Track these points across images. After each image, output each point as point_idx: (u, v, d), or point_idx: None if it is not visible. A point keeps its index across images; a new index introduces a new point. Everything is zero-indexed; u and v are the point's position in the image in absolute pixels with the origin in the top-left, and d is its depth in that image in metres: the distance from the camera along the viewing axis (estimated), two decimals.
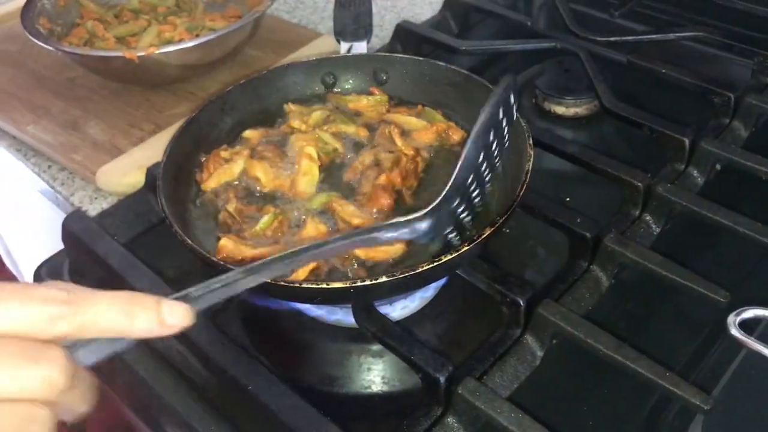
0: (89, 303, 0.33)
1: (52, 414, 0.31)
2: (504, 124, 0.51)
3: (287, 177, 0.62)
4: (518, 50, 0.84)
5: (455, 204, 0.48)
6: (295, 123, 0.66)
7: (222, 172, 0.62)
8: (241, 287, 0.40)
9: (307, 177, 0.61)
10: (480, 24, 0.94)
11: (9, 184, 0.98)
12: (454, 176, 0.48)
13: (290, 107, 0.69)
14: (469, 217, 0.51)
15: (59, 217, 0.80)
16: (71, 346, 0.33)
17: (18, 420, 0.30)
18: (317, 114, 0.67)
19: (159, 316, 0.34)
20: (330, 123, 0.67)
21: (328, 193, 0.61)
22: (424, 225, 0.46)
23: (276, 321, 0.62)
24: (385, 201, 0.59)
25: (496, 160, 0.52)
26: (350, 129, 0.66)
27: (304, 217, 0.59)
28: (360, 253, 0.55)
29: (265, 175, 0.61)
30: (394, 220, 0.46)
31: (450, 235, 0.49)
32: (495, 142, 0.51)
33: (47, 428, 0.31)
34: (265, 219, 0.58)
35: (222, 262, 0.51)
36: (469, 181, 0.49)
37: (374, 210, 0.59)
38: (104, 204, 0.73)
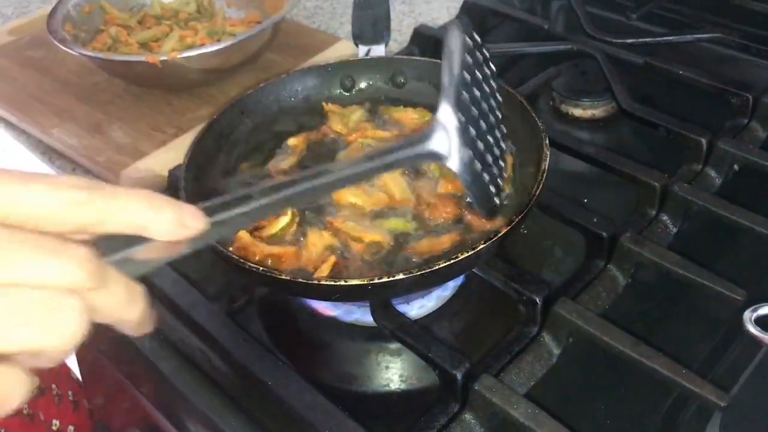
0: (115, 192, 0.32)
1: (83, 306, 0.29)
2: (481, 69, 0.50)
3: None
4: (535, 52, 0.84)
5: (463, 121, 0.44)
6: (337, 126, 0.67)
7: None
8: (255, 212, 0.37)
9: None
10: (497, 27, 0.95)
11: None
12: (443, 85, 0.44)
13: (329, 107, 0.69)
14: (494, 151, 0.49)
15: None
16: None
17: (43, 307, 0.28)
18: (357, 115, 0.68)
19: (180, 213, 0.33)
20: (368, 126, 0.68)
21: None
22: (434, 136, 0.43)
23: (295, 320, 0.63)
24: (452, 209, 0.59)
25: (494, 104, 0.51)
26: (386, 135, 0.67)
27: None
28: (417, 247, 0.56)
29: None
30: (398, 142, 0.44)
31: (478, 167, 0.45)
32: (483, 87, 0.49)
33: (77, 320, 0.29)
34: (284, 220, 0.59)
35: (240, 259, 0.52)
36: (469, 100, 0.45)
37: (440, 220, 0.58)
38: None
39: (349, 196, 0.59)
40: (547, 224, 0.64)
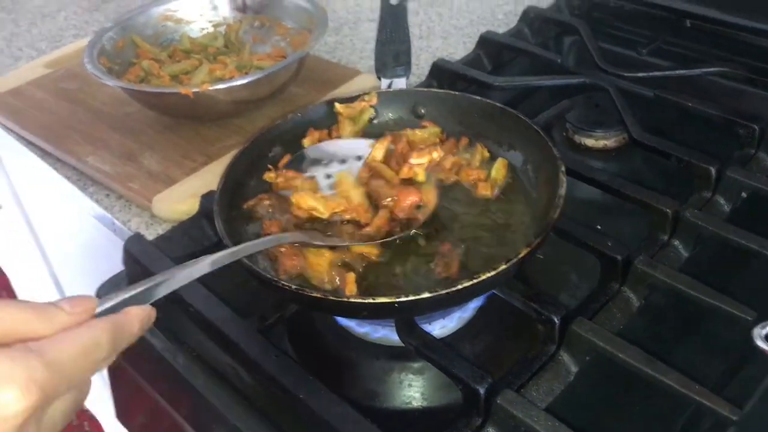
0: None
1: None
2: None
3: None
4: (550, 85, 0.88)
5: None
6: (347, 129, 0.73)
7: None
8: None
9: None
10: (512, 62, 0.98)
11: (66, 212, 1.04)
12: None
13: (338, 108, 0.73)
14: None
15: (114, 242, 0.85)
16: None
17: None
18: (367, 115, 0.74)
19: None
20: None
21: None
22: None
23: (321, 338, 0.66)
24: (414, 194, 0.64)
25: None
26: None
27: None
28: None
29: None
30: None
31: None
32: None
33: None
34: None
35: (273, 277, 0.55)
36: None
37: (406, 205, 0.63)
38: (159, 230, 0.77)
39: (309, 200, 0.63)
40: (562, 248, 0.67)
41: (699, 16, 0.95)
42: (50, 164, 0.90)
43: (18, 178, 1.23)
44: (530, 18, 1.02)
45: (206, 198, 0.73)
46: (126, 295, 0.42)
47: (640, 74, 0.86)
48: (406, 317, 0.58)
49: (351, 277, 0.58)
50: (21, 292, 1.34)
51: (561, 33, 1.03)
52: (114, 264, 0.73)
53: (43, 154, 0.91)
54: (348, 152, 0.70)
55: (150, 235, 0.77)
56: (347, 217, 0.63)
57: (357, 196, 0.64)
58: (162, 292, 0.45)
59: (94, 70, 0.82)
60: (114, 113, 0.93)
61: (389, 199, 0.63)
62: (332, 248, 0.61)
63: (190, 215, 0.75)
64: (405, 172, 0.67)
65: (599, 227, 0.72)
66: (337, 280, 0.59)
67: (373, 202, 0.65)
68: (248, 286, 0.62)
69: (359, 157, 0.69)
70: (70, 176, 0.87)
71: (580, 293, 0.66)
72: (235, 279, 0.63)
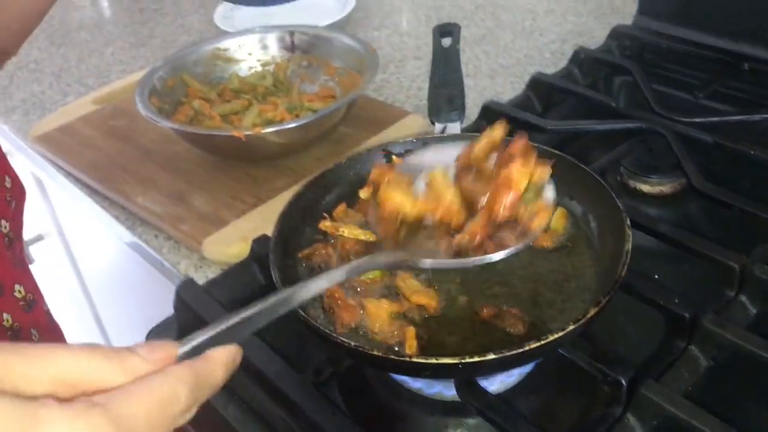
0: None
1: None
2: None
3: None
4: (605, 130, 0.86)
5: None
6: None
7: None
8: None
9: None
10: (562, 103, 0.97)
11: (111, 250, 1.04)
12: None
13: (396, 161, 0.71)
14: None
15: (162, 283, 0.85)
16: None
17: None
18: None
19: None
20: None
21: None
22: None
23: (374, 390, 0.64)
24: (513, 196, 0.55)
25: None
26: None
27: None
28: None
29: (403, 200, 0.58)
30: None
31: None
32: None
33: None
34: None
35: (331, 333, 0.54)
36: None
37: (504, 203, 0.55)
38: (209, 272, 0.77)
39: (398, 194, 0.58)
40: (619, 300, 0.65)
41: (757, 58, 0.93)
42: (98, 202, 0.90)
43: (63, 212, 1.24)
44: (580, 59, 1.00)
45: (257, 242, 0.72)
46: (208, 335, 0.37)
47: (698, 119, 0.84)
48: (467, 377, 0.56)
49: (411, 332, 0.57)
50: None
51: (611, 73, 1.02)
52: (162, 306, 0.72)
53: (91, 191, 0.91)
54: (447, 158, 0.62)
55: (199, 277, 0.76)
56: (438, 216, 0.57)
57: (449, 195, 0.57)
58: (249, 329, 0.40)
59: (147, 111, 0.82)
60: (163, 152, 0.93)
61: (485, 198, 0.56)
62: (392, 299, 0.59)
63: (240, 258, 0.74)
64: (504, 176, 0.56)
65: (657, 276, 0.71)
66: (395, 333, 0.58)
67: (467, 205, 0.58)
68: (300, 334, 0.61)
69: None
70: (119, 215, 0.87)
71: (639, 345, 0.64)
72: (287, 328, 0.62)
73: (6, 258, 0.62)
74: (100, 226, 0.97)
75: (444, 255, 0.55)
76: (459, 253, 0.55)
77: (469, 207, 0.57)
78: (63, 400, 0.30)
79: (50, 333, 0.66)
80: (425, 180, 0.59)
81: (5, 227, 0.63)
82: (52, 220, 1.28)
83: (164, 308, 0.71)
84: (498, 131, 0.60)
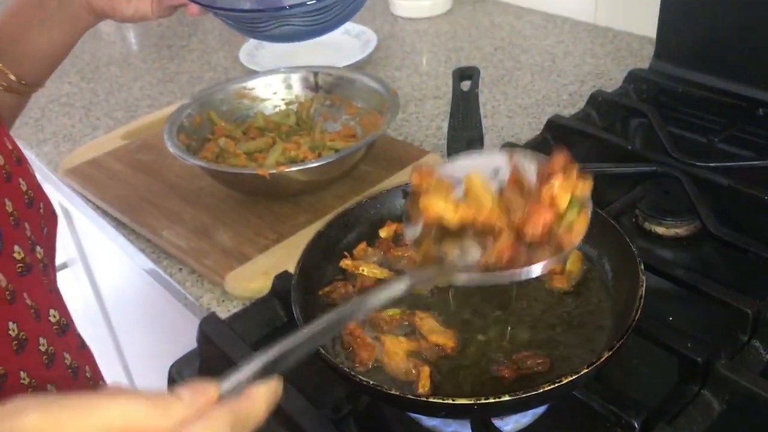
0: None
1: None
2: None
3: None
4: (621, 173, 0.87)
5: None
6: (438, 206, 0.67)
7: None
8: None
9: None
10: (579, 144, 0.98)
11: (135, 281, 1.07)
12: None
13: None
14: None
15: (185, 316, 0.87)
16: None
17: None
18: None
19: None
20: None
21: None
22: None
23: (391, 428, 0.65)
24: (549, 216, 0.54)
25: None
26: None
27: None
28: None
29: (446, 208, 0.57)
30: None
31: None
32: None
33: None
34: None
35: (351, 371, 0.55)
36: None
37: (539, 228, 0.54)
38: (230, 306, 0.79)
39: (439, 202, 0.56)
40: (633, 342, 0.65)
41: None
42: (124, 234, 0.93)
43: (88, 242, 1.27)
44: (598, 101, 1.02)
45: (279, 279, 0.74)
46: (247, 373, 0.38)
47: (713, 164, 0.86)
48: (482, 417, 0.57)
49: (426, 371, 0.58)
50: None
51: (628, 116, 1.04)
52: (183, 337, 0.74)
53: (118, 224, 0.94)
54: (484, 167, 0.61)
55: (221, 311, 0.78)
56: (480, 221, 0.56)
57: (489, 200, 0.56)
58: (289, 362, 0.41)
59: (176, 149, 0.85)
60: (188, 186, 0.95)
61: (519, 213, 0.55)
62: (410, 337, 0.61)
63: (262, 293, 0.76)
64: (545, 193, 0.55)
65: (670, 319, 0.71)
66: (411, 371, 0.59)
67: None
68: (319, 371, 0.62)
69: (496, 171, 0.61)
70: (145, 248, 0.89)
71: (653, 390, 0.65)
72: (307, 365, 0.63)
73: (42, 283, 0.64)
74: (125, 258, 0.99)
75: (477, 270, 0.54)
76: (488, 270, 0.54)
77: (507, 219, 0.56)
78: None
79: (82, 357, 0.68)
80: (463, 185, 0.58)
81: (40, 253, 0.66)
82: (77, 249, 1.32)
83: (185, 340, 0.73)
84: (561, 159, 0.58)
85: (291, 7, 0.72)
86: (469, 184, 0.58)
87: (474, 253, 0.55)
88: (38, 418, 0.32)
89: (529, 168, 0.58)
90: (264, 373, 0.39)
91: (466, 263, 0.55)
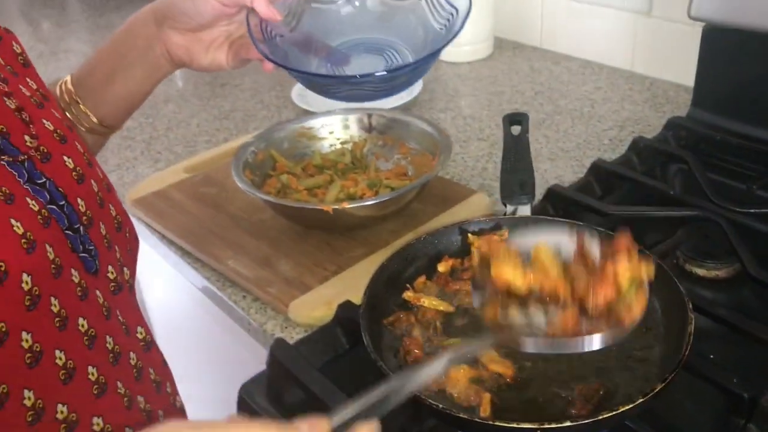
0: None
1: None
2: None
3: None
4: (663, 216, 0.92)
5: None
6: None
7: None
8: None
9: None
10: (621, 188, 1.03)
11: (191, 314, 1.12)
12: None
13: (472, 239, 0.78)
14: None
15: (242, 342, 0.92)
16: None
17: None
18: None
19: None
20: None
21: None
22: None
23: None
24: (611, 289, 0.59)
25: None
26: None
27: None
28: None
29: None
30: None
31: None
32: None
33: None
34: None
35: (425, 398, 0.60)
36: None
37: (601, 301, 0.59)
38: (293, 333, 0.84)
39: (509, 271, 0.61)
40: (679, 379, 0.69)
41: None
42: (189, 263, 0.98)
43: (143, 270, 1.32)
44: (639, 147, 1.07)
45: (342, 308, 0.79)
46: (354, 412, 0.44)
47: (752, 209, 0.90)
48: None
49: (487, 397, 0.63)
50: None
51: (668, 162, 1.08)
52: (238, 363, 0.79)
53: (183, 253, 1.00)
54: (550, 240, 0.66)
55: (285, 337, 0.83)
56: (545, 290, 0.61)
57: (555, 271, 0.61)
58: (391, 404, 0.46)
59: (244, 184, 0.91)
60: (250, 219, 1.01)
61: (583, 286, 0.60)
62: (471, 365, 0.65)
63: (323, 321, 0.81)
64: (609, 269, 0.60)
65: (712, 356, 0.75)
66: (472, 397, 0.63)
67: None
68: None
69: (558, 247, 0.65)
70: (210, 276, 0.95)
71: (697, 423, 0.69)
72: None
73: (130, 302, 0.70)
74: (180, 285, 1.05)
75: (543, 339, 0.60)
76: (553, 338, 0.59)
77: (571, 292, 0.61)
78: None
79: (164, 374, 0.74)
80: (531, 255, 0.63)
81: (127, 274, 0.71)
82: None
83: (240, 365, 0.77)
84: (625, 239, 0.63)
85: (361, 77, 0.77)
86: (537, 253, 0.63)
87: (538, 320, 0.61)
88: None
89: (593, 244, 0.64)
90: (366, 414, 0.45)
91: (532, 330, 0.60)
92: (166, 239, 1.03)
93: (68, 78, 0.83)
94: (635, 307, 0.60)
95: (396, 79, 0.78)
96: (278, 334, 0.84)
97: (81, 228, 0.62)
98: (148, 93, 0.87)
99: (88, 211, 0.64)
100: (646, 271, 0.61)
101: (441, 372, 0.54)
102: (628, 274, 0.60)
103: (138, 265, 1.33)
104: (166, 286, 1.22)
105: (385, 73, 0.79)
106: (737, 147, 1.06)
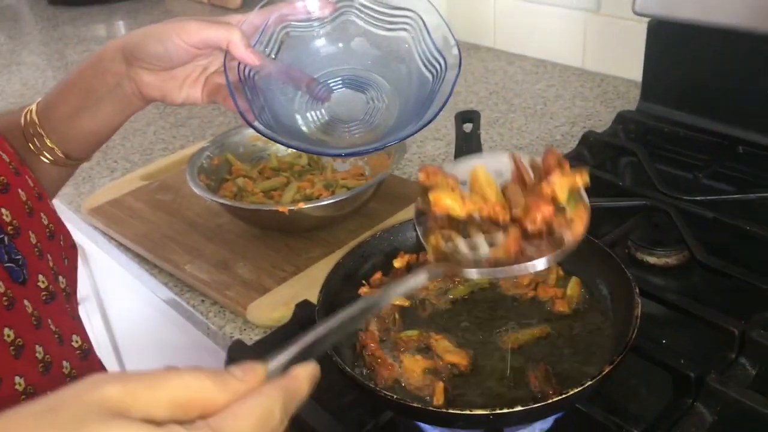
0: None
1: None
2: None
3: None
4: (614, 207, 0.94)
5: None
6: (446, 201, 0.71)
7: None
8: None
9: None
10: None
11: (151, 319, 1.11)
12: None
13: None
14: None
15: (203, 346, 0.91)
16: None
17: None
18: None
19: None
20: None
21: None
22: None
23: None
24: (548, 207, 0.57)
25: None
26: None
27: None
28: None
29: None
30: None
31: None
32: None
33: None
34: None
35: (379, 390, 0.60)
36: None
37: (538, 219, 0.57)
38: (252, 335, 0.84)
39: (447, 198, 0.59)
40: (630, 362, 0.71)
41: (750, 142, 1.02)
42: (147, 270, 0.98)
43: (102, 278, 1.32)
44: (589, 142, 1.09)
45: (300, 307, 0.79)
46: (291, 354, 0.42)
47: (699, 197, 0.92)
48: (495, 428, 0.62)
49: (440, 386, 0.64)
50: None
51: (618, 155, 1.11)
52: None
53: (141, 260, 0.99)
54: (488, 166, 0.64)
55: (244, 339, 0.83)
56: (484, 214, 0.59)
57: (493, 194, 0.60)
58: (324, 346, 0.45)
59: (199, 189, 0.91)
60: (207, 224, 1.01)
61: (519, 209, 0.58)
62: (424, 355, 0.67)
63: (282, 322, 0.81)
64: (545, 188, 0.58)
65: (664, 341, 0.77)
66: (427, 386, 0.64)
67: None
68: (342, 389, 0.67)
69: (499, 172, 0.64)
70: (167, 282, 0.94)
71: (650, 404, 0.70)
72: (331, 384, 0.69)
73: (65, 311, 0.69)
74: (142, 293, 1.04)
75: (486, 266, 0.57)
76: (497, 266, 0.57)
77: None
78: (184, 423, 0.37)
79: None
80: (468, 178, 0.62)
81: (62, 282, 0.71)
82: (91, 287, 1.36)
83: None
84: (554, 156, 0.61)
85: (347, 155, 0.80)
86: (474, 178, 0.62)
87: (483, 248, 0.59)
88: (116, 389, 0.37)
89: (530, 168, 0.63)
90: (303, 356, 0.43)
91: (477, 258, 0.59)
92: (124, 247, 1.02)
93: (33, 107, 0.79)
94: (578, 223, 0.58)
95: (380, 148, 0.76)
96: (237, 336, 0.84)
97: (5, 238, 0.62)
98: (117, 127, 0.81)
99: (14, 221, 0.63)
100: (581, 180, 0.59)
101: (380, 306, 0.53)
102: (566, 186, 0.58)
103: (98, 276, 1.33)
104: (127, 295, 1.21)
105: (369, 147, 0.75)
106: (684, 138, 1.09)
